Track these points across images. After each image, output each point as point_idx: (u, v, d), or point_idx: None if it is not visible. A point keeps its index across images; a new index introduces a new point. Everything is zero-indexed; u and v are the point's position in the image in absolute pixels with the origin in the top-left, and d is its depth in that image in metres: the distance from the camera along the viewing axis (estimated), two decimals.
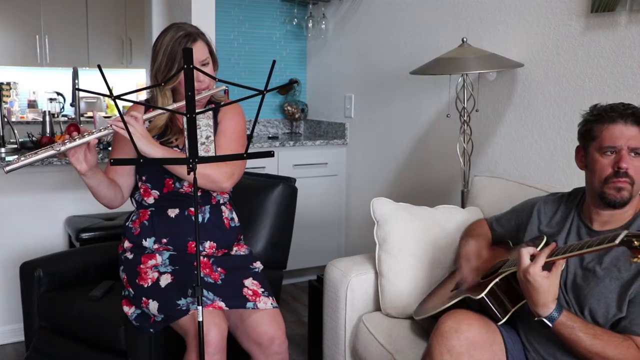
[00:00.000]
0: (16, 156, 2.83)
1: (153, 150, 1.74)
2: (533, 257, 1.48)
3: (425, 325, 1.89)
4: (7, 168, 1.64)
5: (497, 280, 1.62)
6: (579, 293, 1.55)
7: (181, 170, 1.82)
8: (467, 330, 1.53)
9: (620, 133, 1.51)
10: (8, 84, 5.58)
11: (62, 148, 1.69)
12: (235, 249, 2.05)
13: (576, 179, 2.06)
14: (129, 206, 2.07)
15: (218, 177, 1.87)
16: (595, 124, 1.57)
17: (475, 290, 1.67)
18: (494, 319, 1.60)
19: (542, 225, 1.73)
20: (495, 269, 1.73)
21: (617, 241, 1.31)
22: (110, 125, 1.74)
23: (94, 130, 1.74)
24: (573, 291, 1.57)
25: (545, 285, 1.44)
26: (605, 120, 1.54)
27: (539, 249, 1.55)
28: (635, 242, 1.28)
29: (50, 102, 5.35)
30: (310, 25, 4.02)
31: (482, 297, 1.60)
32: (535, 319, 1.48)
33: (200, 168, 1.54)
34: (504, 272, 1.63)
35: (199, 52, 1.90)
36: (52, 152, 1.68)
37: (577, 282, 1.57)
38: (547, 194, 1.86)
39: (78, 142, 1.71)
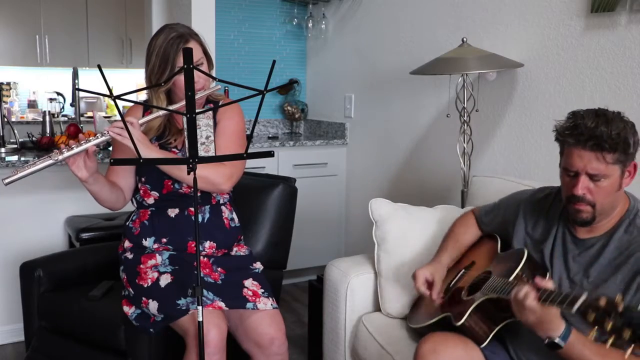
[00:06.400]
0: (16, 156, 2.86)
1: (151, 154, 1.75)
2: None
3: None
4: (7, 180, 1.66)
5: (475, 305, 1.61)
6: None
7: (180, 172, 1.83)
8: (444, 352, 1.56)
9: (578, 158, 1.44)
10: (8, 84, 5.58)
11: (61, 157, 1.70)
12: (235, 249, 2.05)
13: None
14: (129, 206, 2.07)
15: (217, 179, 1.87)
16: (559, 141, 1.52)
17: (458, 307, 1.68)
18: (477, 341, 1.61)
19: (529, 229, 1.72)
20: (476, 285, 1.71)
21: (573, 310, 1.25)
22: (107, 132, 1.75)
23: (90, 138, 1.75)
24: None
25: (548, 314, 1.38)
26: (564, 143, 1.49)
27: (520, 265, 1.58)
28: (590, 316, 1.20)
29: (50, 102, 5.35)
30: (310, 25, 4.02)
31: (463, 324, 1.62)
32: (546, 342, 1.41)
33: (199, 170, 1.54)
34: (483, 298, 1.61)
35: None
36: (50, 161, 1.69)
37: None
38: (533, 190, 1.81)
39: (76, 150, 1.72)
